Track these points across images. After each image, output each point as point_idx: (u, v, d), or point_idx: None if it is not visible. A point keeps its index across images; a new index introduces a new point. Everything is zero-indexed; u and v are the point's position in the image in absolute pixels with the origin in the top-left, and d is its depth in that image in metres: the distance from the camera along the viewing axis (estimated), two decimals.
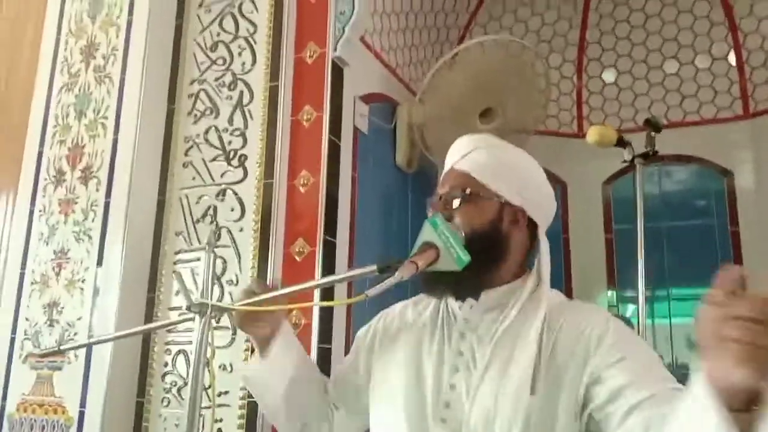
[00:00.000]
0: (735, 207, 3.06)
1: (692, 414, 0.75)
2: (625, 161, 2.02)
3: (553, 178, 3.19)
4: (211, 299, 1.21)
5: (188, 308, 1.22)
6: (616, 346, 0.98)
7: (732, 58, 3.17)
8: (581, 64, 3.34)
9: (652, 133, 1.96)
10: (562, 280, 3.10)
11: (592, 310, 1.12)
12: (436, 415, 1.05)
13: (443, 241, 1.04)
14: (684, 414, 0.77)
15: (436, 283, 1.10)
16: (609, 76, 3.35)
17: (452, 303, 1.14)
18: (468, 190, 1.10)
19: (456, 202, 1.10)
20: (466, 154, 1.14)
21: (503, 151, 1.16)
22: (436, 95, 2.65)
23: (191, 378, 1.17)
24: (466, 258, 1.02)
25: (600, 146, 1.96)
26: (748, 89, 3.14)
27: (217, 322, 2.01)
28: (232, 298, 1.97)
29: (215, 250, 2.07)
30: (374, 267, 1.03)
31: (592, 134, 1.95)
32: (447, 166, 1.17)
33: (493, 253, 1.10)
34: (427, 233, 1.06)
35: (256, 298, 1.18)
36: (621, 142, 1.99)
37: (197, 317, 1.21)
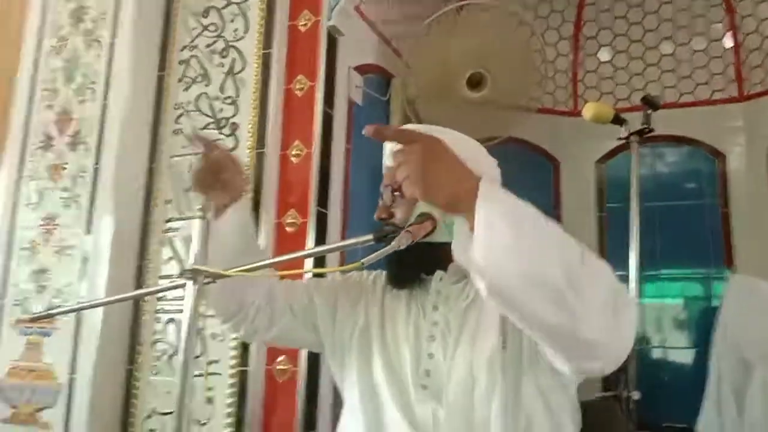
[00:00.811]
0: (726, 188, 3.07)
1: None
2: (620, 138, 2.01)
3: (547, 156, 3.20)
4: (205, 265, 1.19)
5: (181, 274, 1.20)
6: None
7: (728, 41, 3.16)
8: (577, 42, 3.32)
9: (649, 111, 1.94)
10: None
11: None
12: (416, 382, 1.09)
13: (441, 212, 1.03)
14: None
15: (403, 265, 1.15)
16: (605, 54, 3.33)
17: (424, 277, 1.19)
18: None
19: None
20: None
21: (467, 140, 1.23)
22: (423, 56, 2.62)
23: (183, 345, 1.16)
24: None
25: (596, 122, 1.95)
26: (743, 72, 3.13)
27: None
28: None
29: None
30: (370, 236, 1.02)
31: (589, 110, 1.94)
32: (387, 159, 1.25)
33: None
34: (423, 204, 1.05)
35: (251, 265, 1.17)
36: (617, 119, 1.98)
37: (189, 283, 1.19)
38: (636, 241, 1.95)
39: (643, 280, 2.96)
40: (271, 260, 1.22)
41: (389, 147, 1.24)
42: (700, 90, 3.20)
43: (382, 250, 0.96)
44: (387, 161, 1.26)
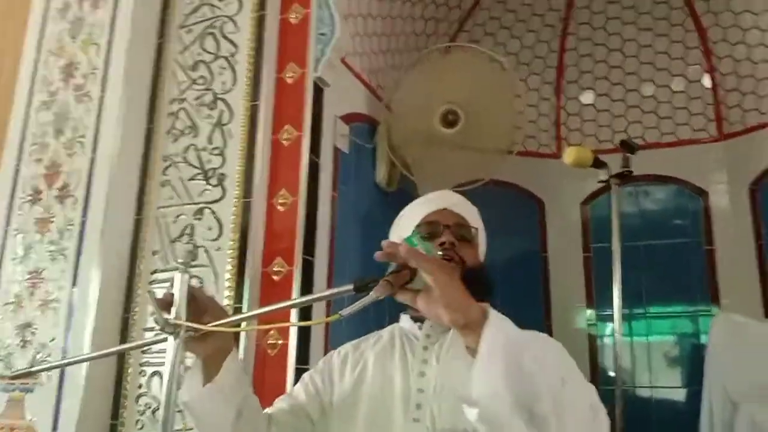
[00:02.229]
0: (710, 226, 3.11)
1: None
2: (601, 181, 2.05)
3: (532, 198, 3.24)
4: (186, 320, 1.19)
5: (161, 329, 1.20)
6: None
7: (706, 81, 3.24)
8: (560, 86, 3.40)
9: (627, 154, 1.99)
10: (541, 299, 3.12)
11: None
12: (408, 416, 1.13)
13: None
14: None
15: None
16: (587, 97, 3.40)
17: (408, 328, 1.28)
18: (473, 231, 1.31)
19: (466, 236, 1.29)
20: (460, 204, 1.34)
21: (478, 213, 1.38)
22: (401, 93, 2.68)
23: (164, 400, 1.15)
24: None
25: (577, 167, 1.99)
26: (722, 112, 3.20)
27: None
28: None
29: (191, 269, 2.08)
30: (350, 286, 1.04)
31: (569, 155, 1.98)
32: (439, 205, 1.32)
33: (482, 286, 1.23)
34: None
35: (230, 319, 1.18)
36: (597, 163, 2.02)
37: (171, 338, 1.19)
38: (618, 281, 1.96)
39: (630, 318, 2.99)
40: (253, 312, 1.23)
41: (419, 202, 1.37)
42: (681, 130, 3.27)
43: (360, 301, 0.97)
44: (439, 203, 1.33)
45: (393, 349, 1.25)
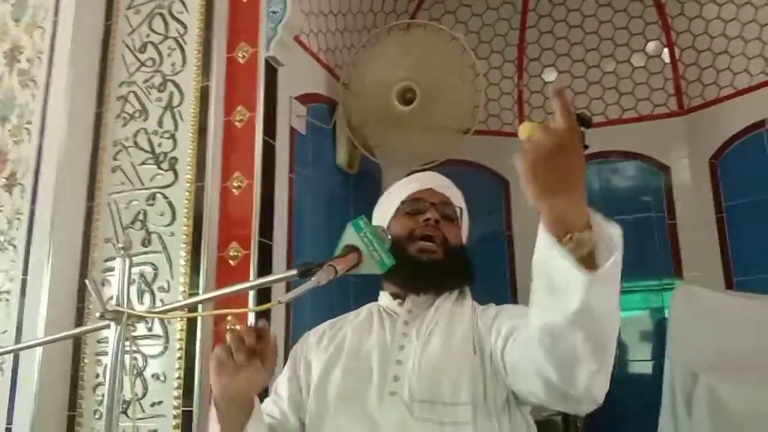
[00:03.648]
0: (672, 201, 3.13)
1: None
2: None
3: (496, 176, 3.23)
4: (127, 306, 1.16)
5: (102, 315, 1.17)
6: (508, 309, 1.21)
7: (666, 56, 3.25)
8: (521, 64, 3.38)
9: (583, 129, 1.98)
10: (507, 277, 3.12)
11: (496, 305, 1.29)
12: (384, 389, 1.12)
13: (366, 244, 1.01)
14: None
15: (423, 277, 1.25)
16: (549, 75, 3.39)
17: (387, 304, 1.29)
18: (457, 211, 1.32)
19: (450, 215, 1.30)
20: (446, 186, 1.35)
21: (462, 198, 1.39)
22: (358, 72, 2.64)
23: (107, 389, 1.12)
24: (389, 262, 1.00)
25: None
26: (682, 86, 3.22)
27: (148, 329, 1.96)
28: (163, 304, 1.92)
29: (145, 255, 2.04)
30: (295, 272, 1.01)
31: (523, 131, 1.96)
32: (425, 185, 1.33)
33: (465, 267, 1.30)
34: (349, 236, 1.03)
35: (175, 305, 1.15)
36: None
37: (113, 325, 1.16)
38: None
39: None
40: (197, 298, 1.20)
41: (405, 181, 1.38)
42: (642, 105, 3.28)
43: (302, 286, 0.95)
44: (425, 183, 1.34)
45: (371, 325, 1.25)
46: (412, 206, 1.29)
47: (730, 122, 3.00)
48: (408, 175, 1.44)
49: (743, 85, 2.98)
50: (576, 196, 0.81)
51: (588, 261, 0.80)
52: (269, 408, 1.23)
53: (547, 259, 0.82)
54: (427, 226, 1.25)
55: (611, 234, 0.81)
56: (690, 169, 3.13)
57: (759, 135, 2.89)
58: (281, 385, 1.26)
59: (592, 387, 0.90)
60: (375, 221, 1.35)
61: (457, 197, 1.35)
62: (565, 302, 0.81)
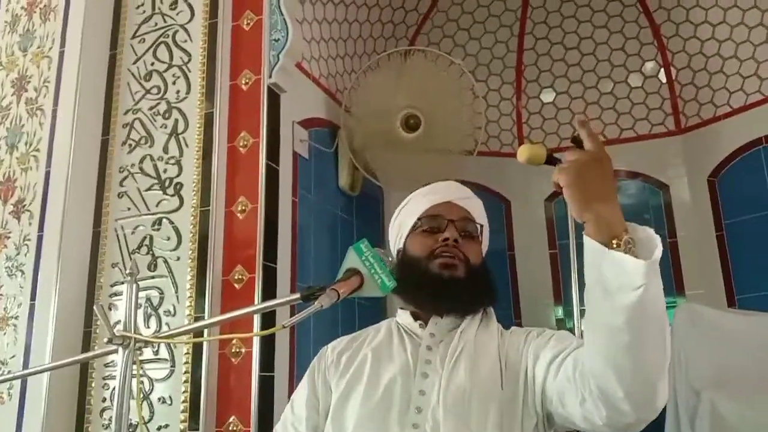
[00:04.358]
0: (672, 219, 3.15)
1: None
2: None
3: (497, 196, 3.26)
4: (134, 331, 1.18)
5: (110, 341, 1.19)
6: (542, 334, 1.15)
7: (662, 76, 3.30)
8: (520, 86, 3.43)
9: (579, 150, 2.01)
10: (510, 297, 3.14)
11: (523, 328, 1.25)
12: (406, 421, 1.07)
13: (367, 267, 1.02)
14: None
15: (446, 295, 1.19)
16: (547, 96, 3.44)
17: (409, 324, 1.22)
18: (478, 228, 1.26)
19: (471, 232, 1.24)
20: (465, 197, 1.29)
21: (483, 207, 1.34)
22: (360, 96, 2.68)
23: (114, 413, 1.14)
24: (390, 284, 1.01)
25: (530, 164, 2.00)
26: (679, 106, 3.26)
27: (154, 353, 1.97)
28: (170, 328, 1.94)
29: (152, 280, 2.06)
30: (297, 295, 1.03)
31: (522, 153, 1.98)
32: (444, 198, 1.27)
33: (488, 285, 1.25)
34: (351, 260, 1.05)
35: (181, 329, 1.17)
36: (551, 160, 2.03)
37: (120, 350, 1.18)
38: (575, 277, 1.99)
39: None
40: (200, 323, 1.22)
41: (422, 193, 1.32)
42: (640, 125, 3.32)
43: (306, 311, 0.96)
44: (444, 195, 1.29)
45: (391, 347, 1.19)
46: (430, 223, 1.24)
47: (727, 141, 3.03)
48: (426, 184, 1.36)
49: (739, 103, 3.02)
50: (615, 203, 0.88)
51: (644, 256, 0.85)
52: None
53: (600, 264, 0.86)
54: (447, 246, 1.20)
55: (648, 233, 0.88)
56: (689, 187, 3.16)
57: (756, 153, 2.92)
58: (298, 404, 1.23)
59: (657, 393, 0.89)
60: (391, 237, 1.33)
61: (477, 211, 1.29)
62: (621, 299, 0.84)
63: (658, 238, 0.87)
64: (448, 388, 1.08)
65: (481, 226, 1.27)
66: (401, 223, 1.29)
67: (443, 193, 1.29)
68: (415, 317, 1.22)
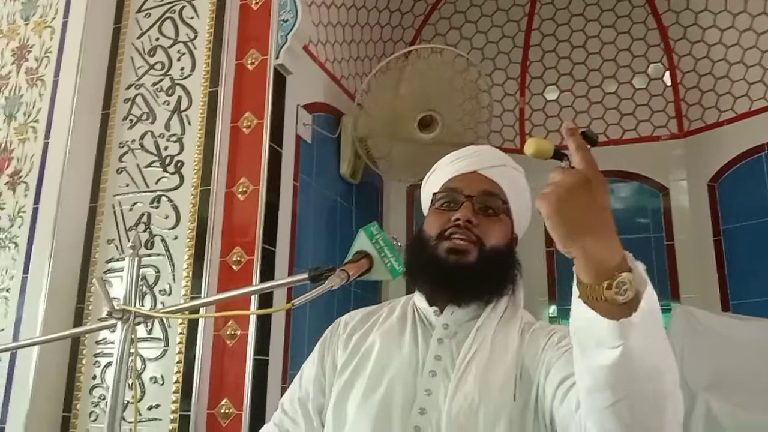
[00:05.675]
0: (670, 222, 3.15)
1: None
2: None
3: None
4: (135, 306, 1.16)
5: (109, 314, 1.17)
6: (560, 345, 0.99)
7: (667, 79, 3.29)
8: (524, 82, 3.42)
9: (588, 147, 1.99)
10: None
11: (550, 325, 1.11)
12: (408, 423, 0.99)
13: (377, 250, 1.00)
14: None
15: (450, 283, 1.07)
16: (551, 94, 3.43)
17: (424, 309, 1.11)
18: (503, 203, 1.09)
19: (493, 208, 1.08)
20: (496, 165, 1.12)
21: (522, 177, 1.15)
22: (375, 98, 2.66)
23: (112, 387, 1.11)
24: (400, 268, 0.98)
25: (537, 158, 1.98)
26: (683, 109, 3.26)
27: (148, 331, 1.95)
28: (164, 306, 1.91)
29: (148, 258, 2.03)
30: (306, 275, 1.01)
31: (530, 146, 1.97)
32: (467, 167, 1.11)
33: (505, 273, 1.09)
34: (360, 242, 1.02)
35: (183, 306, 1.15)
36: (557, 155, 2.02)
37: (119, 324, 1.16)
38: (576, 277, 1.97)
39: None
40: (205, 299, 1.19)
41: (448, 160, 1.16)
42: (643, 127, 3.31)
43: (315, 290, 0.94)
44: (469, 164, 1.12)
45: (400, 335, 1.09)
46: (446, 198, 1.10)
47: (729, 146, 3.03)
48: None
49: (743, 109, 3.01)
50: (607, 234, 0.71)
51: (634, 304, 0.70)
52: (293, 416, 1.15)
53: (574, 312, 0.73)
54: (458, 227, 1.06)
55: (639, 273, 0.71)
56: (689, 191, 3.16)
57: (758, 159, 2.92)
58: (307, 377, 1.15)
59: None
60: (424, 207, 1.21)
61: (507, 182, 1.11)
62: (597, 358, 0.72)
63: (647, 283, 0.71)
64: (454, 397, 0.98)
65: (507, 203, 1.09)
66: (425, 197, 1.17)
67: (469, 160, 1.12)
68: (431, 302, 1.09)
